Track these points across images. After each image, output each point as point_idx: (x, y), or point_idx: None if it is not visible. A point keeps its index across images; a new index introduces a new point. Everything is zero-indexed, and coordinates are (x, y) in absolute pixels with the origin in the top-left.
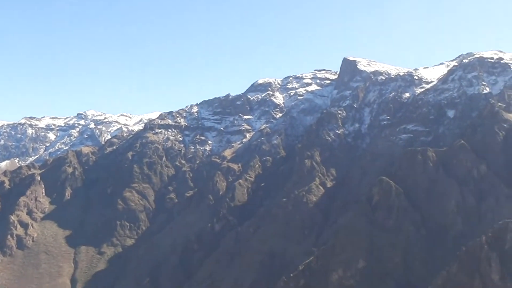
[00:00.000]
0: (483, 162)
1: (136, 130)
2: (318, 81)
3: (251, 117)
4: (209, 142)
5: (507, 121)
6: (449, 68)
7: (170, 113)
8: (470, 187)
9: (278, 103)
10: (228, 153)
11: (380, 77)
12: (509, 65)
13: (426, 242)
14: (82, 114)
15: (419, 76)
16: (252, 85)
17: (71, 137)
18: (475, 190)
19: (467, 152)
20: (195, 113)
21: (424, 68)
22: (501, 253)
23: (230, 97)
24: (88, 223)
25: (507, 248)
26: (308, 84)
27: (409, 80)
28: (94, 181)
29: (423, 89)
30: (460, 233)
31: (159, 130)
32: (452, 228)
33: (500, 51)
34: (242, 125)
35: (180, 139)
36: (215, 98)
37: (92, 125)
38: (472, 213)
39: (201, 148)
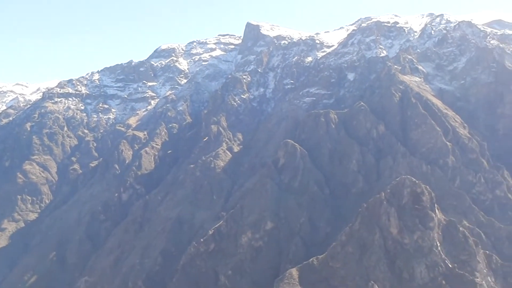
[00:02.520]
0: (381, 123)
1: (34, 99)
2: (222, 46)
3: (156, 83)
4: (113, 110)
5: (403, 83)
6: (348, 32)
7: (70, 81)
8: (369, 147)
9: (183, 69)
10: (133, 121)
11: (283, 42)
12: (404, 29)
13: (330, 201)
14: None
15: (321, 40)
16: (155, 51)
17: None
18: (374, 149)
19: (366, 113)
20: (97, 81)
21: (325, 32)
22: (398, 208)
23: (133, 63)
24: None
25: (404, 203)
26: (212, 49)
27: (311, 44)
28: None
29: (324, 53)
30: (361, 191)
31: (59, 99)
32: (354, 186)
33: (396, 15)
34: (147, 92)
35: (82, 108)
36: (117, 64)
37: None
38: (371, 171)
39: (105, 116)
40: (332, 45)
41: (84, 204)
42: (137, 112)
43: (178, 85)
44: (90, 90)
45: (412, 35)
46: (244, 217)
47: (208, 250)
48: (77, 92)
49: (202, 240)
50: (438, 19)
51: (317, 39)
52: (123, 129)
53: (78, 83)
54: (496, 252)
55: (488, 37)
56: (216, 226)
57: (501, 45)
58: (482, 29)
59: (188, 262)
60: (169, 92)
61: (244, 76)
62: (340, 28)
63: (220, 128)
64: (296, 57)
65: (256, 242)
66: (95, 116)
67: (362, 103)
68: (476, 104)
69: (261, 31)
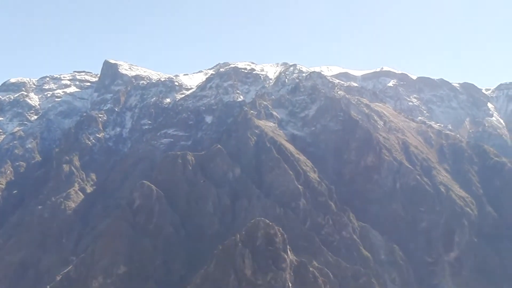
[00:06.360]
0: (237, 165)
1: None
2: (77, 83)
3: (2, 118)
4: None
5: (258, 128)
6: (207, 76)
7: None
8: (225, 189)
9: (33, 105)
10: None
11: (141, 82)
12: (260, 76)
13: (186, 243)
14: None
15: (180, 82)
16: (3, 84)
17: None
18: (230, 191)
19: (223, 156)
20: None
21: (184, 75)
22: (253, 249)
23: None
24: None
25: (258, 244)
26: (67, 86)
27: (170, 85)
28: None
29: (183, 95)
30: (217, 233)
31: None
32: (210, 228)
33: (253, 63)
34: None
35: None
36: None
37: None
38: (227, 213)
39: None
40: (191, 88)
41: None
42: None
43: (27, 121)
44: None
45: (268, 82)
46: (95, 261)
47: None
48: None
49: (48, 286)
50: (291, 69)
51: (176, 81)
52: None
53: None
54: None
55: (336, 87)
56: (65, 271)
57: (347, 96)
58: (330, 80)
59: None
60: (17, 128)
61: (100, 115)
62: (199, 71)
63: (73, 168)
64: (154, 98)
65: (108, 287)
66: None
67: (219, 145)
68: (325, 149)
69: (119, 70)
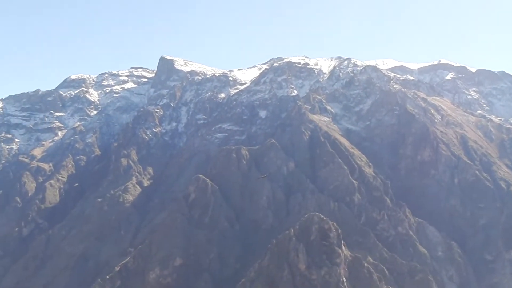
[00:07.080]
0: (291, 160)
1: None
2: (135, 78)
3: (64, 114)
4: (16, 140)
5: (312, 122)
6: (261, 71)
7: None
8: (279, 183)
9: (93, 100)
10: (38, 152)
11: (196, 77)
12: (314, 70)
13: (240, 237)
14: None
15: (234, 77)
16: (64, 81)
17: None
18: (284, 186)
19: (277, 150)
20: (0, 109)
21: (238, 70)
22: (307, 244)
23: (40, 92)
24: None
25: (312, 239)
26: (125, 82)
27: (224, 81)
28: None
29: (237, 90)
30: (271, 227)
31: None
32: (264, 222)
33: (306, 57)
34: (54, 123)
35: None
36: (23, 93)
37: None
38: (281, 208)
39: (7, 146)
40: (245, 83)
41: None
42: (43, 143)
43: (87, 116)
44: None
45: (322, 76)
46: (152, 253)
47: (114, 287)
48: None
49: (107, 277)
50: (346, 63)
51: (230, 76)
52: (26, 160)
53: None
54: (398, 287)
55: (392, 81)
56: (123, 262)
57: (403, 90)
58: (386, 73)
59: None
60: (78, 123)
61: (156, 110)
62: (253, 66)
63: (130, 162)
64: (209, 93)
65: (165, 278)
66: None
67: (273, 140)
68: (380, 144)
69: (174, 65)
